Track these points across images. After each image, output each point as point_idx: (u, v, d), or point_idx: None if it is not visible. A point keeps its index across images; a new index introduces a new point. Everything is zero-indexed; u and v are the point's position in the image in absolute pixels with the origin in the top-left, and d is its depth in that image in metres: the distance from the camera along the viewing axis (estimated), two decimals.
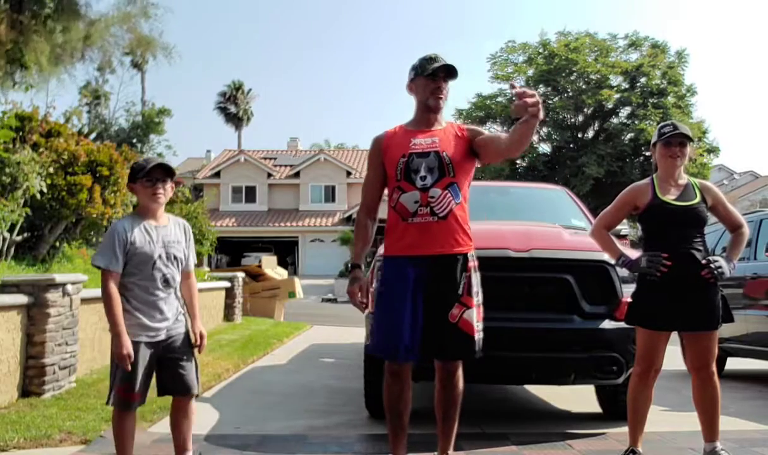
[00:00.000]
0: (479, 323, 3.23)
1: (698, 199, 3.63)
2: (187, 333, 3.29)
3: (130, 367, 3.05)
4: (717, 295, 3.59)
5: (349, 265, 3.37)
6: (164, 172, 3.21)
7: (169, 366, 3.21)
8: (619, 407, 4.91)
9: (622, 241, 5.50)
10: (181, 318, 3.28)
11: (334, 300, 26.61)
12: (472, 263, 3.26)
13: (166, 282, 3.18)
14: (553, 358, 4.33)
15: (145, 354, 3.13)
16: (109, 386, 3.18)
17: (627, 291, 4.38)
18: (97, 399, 5.08)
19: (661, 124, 3.80)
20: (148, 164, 3.20)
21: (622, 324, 4.31)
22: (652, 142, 3.78)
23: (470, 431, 4.56)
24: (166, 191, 3.21)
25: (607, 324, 4.31)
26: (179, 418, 3.30)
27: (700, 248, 3.58)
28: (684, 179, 3.71)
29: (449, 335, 3.15)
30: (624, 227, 6.03)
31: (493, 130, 32.42)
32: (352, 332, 10.94)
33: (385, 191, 3.41)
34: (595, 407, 5.18)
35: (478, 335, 3.22)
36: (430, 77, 3.25)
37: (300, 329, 12.10)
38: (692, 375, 3.66)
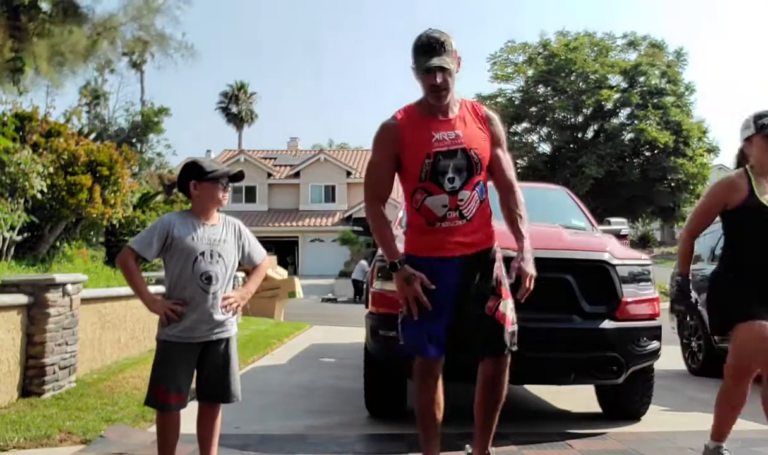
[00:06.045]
0: (513, 314, 3.11)
1: None
2: (231, 341, 3.23)
3: (181, 317, 3.07)
4: None
5: (392, 264, 3.04)
6: (229, 178, 3.24)
7: (202, 371, 3.19)
8: (619, 407, 4.92)
9: (623, 241, 5.49)
10: (227, 324, 3.21)
11: (334, 300, 26.61)
12: (499, 255, 3.17)
13: (208, 279, 3.13)
14: (553, 358, 4.33)
15: (180, 355, 3.11)
16: (148, 386, 3.17)
17: (627, 291, 4.39)
18: (98, 399, 5.08)
19: (758, 113, 3.31)
20: (215, 168, 3.21)
21: (622, 324, 4.32)
22: (750, 132, 3.29)
23: (470, 431, 4.55)
24: (227, 196, 3.26)
25: (607, 324, 4.30)
26: (204, 425, 3.25)
27: None
28: None
29: (484, 329, 3.05)
30: (624, 227, 6.02)
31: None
32: (352, 332, 10.93)
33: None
34: (595, 407, 5.18)
35: (513, 328, 3.10)
36: (426, 74, 2.98)
37: (300, 329, 12.10)
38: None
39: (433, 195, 3.02)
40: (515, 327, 3.12)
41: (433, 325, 3.02)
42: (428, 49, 2.95)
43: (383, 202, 3.16)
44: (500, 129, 3.21)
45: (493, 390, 3.12)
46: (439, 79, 2.96)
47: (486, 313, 3.03)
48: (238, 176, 3.27)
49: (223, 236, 3.24)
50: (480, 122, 3.14)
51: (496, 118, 3.22)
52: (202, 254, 3.14)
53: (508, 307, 3.09)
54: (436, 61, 2.93)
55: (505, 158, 3.21)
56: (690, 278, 3.42)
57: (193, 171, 3.21)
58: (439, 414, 3.12)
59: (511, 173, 3.21)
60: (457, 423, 4.90)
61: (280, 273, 15.96)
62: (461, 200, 3.02)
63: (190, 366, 3.15)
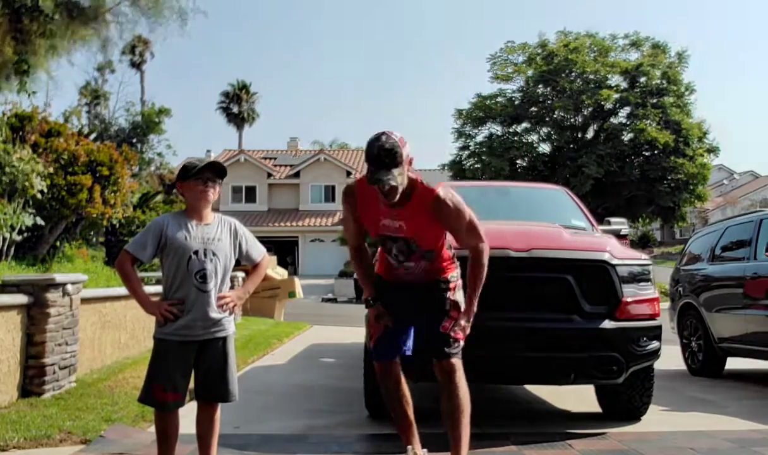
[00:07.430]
0: (466, 330, 3.42)
1: None
2: (228, 340, 3.24)
3: (177, 317, 3.09)
4: None
5: (366, 301, 3.58)
6: (214, 173, 3.23)
7: (200, 370, 3.19)
8: (619, 407, 4.91)
9: (623, 241, 5.50)
10: (224, 323, 3.21)
11: (334, 300, 26.62)
12: (454, 284, 3.47)
13: (203, 277, 3.14)
14: (553, 358, 4.33)
15: (177, 354, 3.11)
16: (144, 383, 3.17)
17: (627, 291, 4.39)
18: (98, 399, 5.08)
19: None
20: (195, 165, 3.22)
21: (622, 324, 4.32)
22: None
23: (470, 431, 4.55)
24: (214, 192, 3.24)
25: (607, 324, 4.30)
26: (202, 424, 3.26)
27: None
28: None
29: (434, 339, 3.38)
30: (624, 227, 6.02)
31: (492, 129, 32.49)
32: (352, 332, 10.94)
33: None
34: (595, 407, 5.18)
35: (461, 343, 3.40)
36: (374, 183, 3.15)
37: (300, 329, 12.10)
38: None
39: (386, 254, 3.48)
40: (461, 343, 3.40)
41: (393, 338, 3.49)
42: (377, 163, 3.12)
43: (359, 248, 3.58)
44: (449, 215, 3.30)
45: (448, 397, 3.37)
46: (386, 189, 3.15)
47: (441, 330, 3.35)
48: (216, 166, 3.24)
49: (218, 234, 3.24)
50: (428, 212, 3.29)
51: (445, 206, 3.29)
52: (196, 252, 3.15)
53: (460, 325, 3.39)
54: (383, 178, 3.10)
55: (463, 230, 3.34)
56: None
57: (179, 175, 3.26)
58: (408, 407, 3.55)
59: (470, 241, 3.36)
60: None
61: (280, 273, 15.97)
62: (407, 267, 3.44)
63: (187, 365, 3.16)
